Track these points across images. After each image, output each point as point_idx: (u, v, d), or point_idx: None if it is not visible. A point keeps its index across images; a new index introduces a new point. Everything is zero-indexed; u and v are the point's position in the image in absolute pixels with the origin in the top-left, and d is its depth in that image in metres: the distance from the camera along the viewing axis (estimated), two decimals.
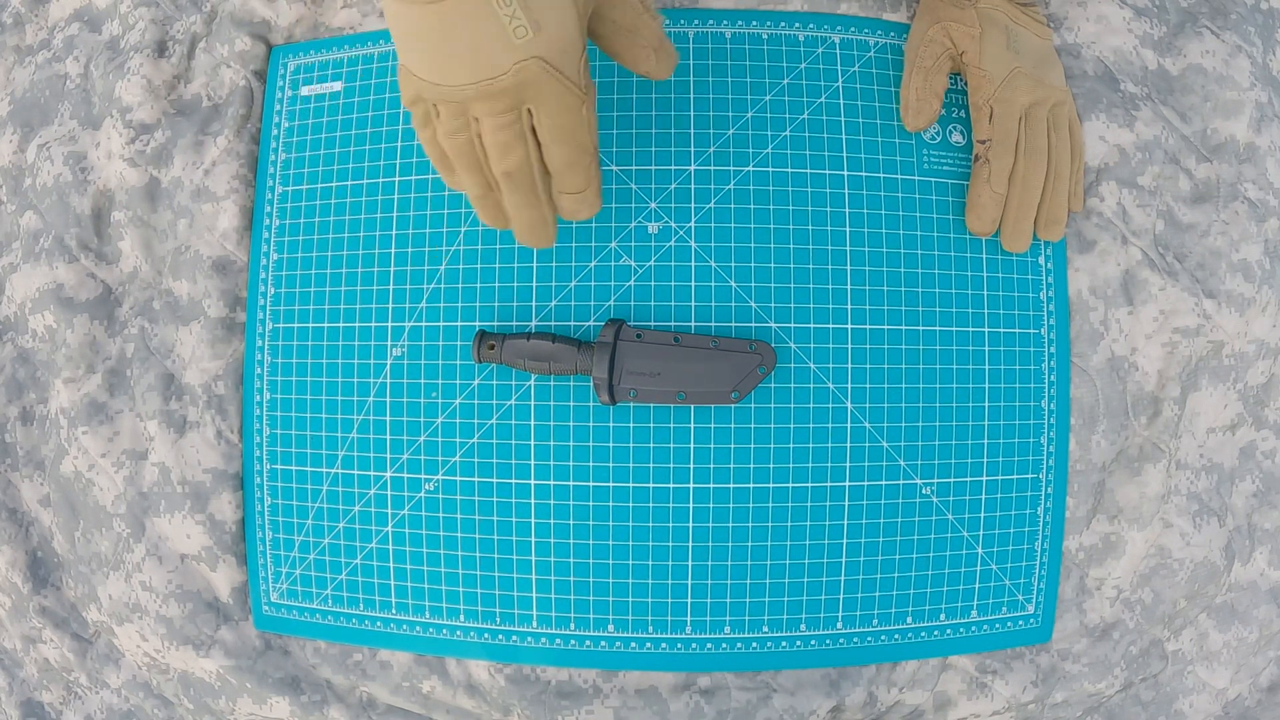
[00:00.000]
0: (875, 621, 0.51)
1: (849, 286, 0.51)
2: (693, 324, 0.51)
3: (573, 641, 0.51)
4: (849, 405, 0.51)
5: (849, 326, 0.51)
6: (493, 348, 0.50)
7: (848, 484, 0.51)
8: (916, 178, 0.53)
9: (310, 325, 0.54)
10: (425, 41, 0.36)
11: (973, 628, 0.52)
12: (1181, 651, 0.56)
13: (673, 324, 0.51)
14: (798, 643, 0.51)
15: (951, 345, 0.52)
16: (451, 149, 0.40)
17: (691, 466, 0.50)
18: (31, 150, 0.60)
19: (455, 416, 0.52)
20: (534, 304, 0.52)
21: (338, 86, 0.56)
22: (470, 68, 0.36)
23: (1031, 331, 0.53)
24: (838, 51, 0.54)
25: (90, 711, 0.59)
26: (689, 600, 0.51)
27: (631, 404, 0.51)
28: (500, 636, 0.52)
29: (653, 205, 0.52)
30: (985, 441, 0.52)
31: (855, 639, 0.51)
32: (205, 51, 0.58)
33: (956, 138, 0.53)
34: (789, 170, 0.52)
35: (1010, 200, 0.50)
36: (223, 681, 0.55)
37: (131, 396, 0.56)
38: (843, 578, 0.51)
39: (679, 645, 0.51)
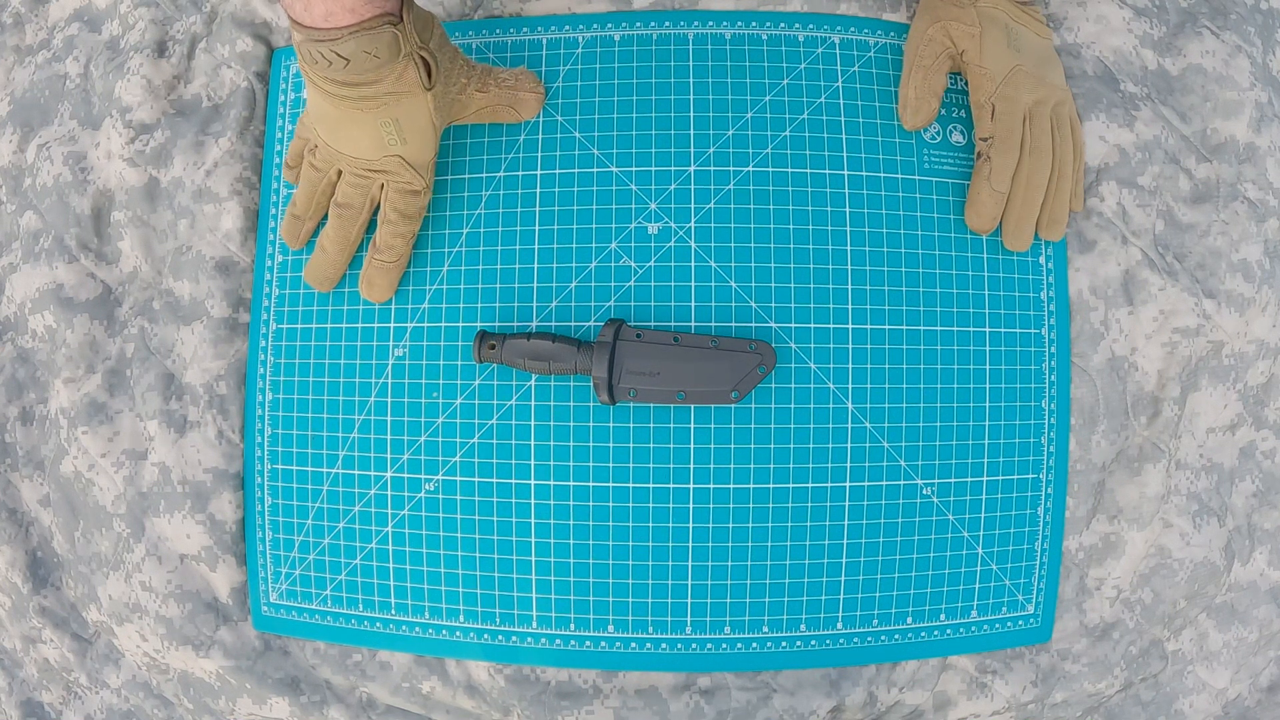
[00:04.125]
0: (875, 621, 0.51)
1: (849, 286, 0.51)
2: (693, 324, 0.51)
3: (572, 642, 0.51)
4: (849, 405, 0.51)
5: (849, 326, 0.51)
6: (493, 348, 0.50)
7: (848, 484, 0.51)
8: (917, 177, 0.53)
9: (313, 326, 0.54)
10: (330, 125, 0.48)
11: (973, 628, 0.52)
12: (1181, 651, 0.56)
13: (673, 324, 0.51)
14: (798, 643, 0.51)
15: (952, 345, 0.52)
16: (307, 172, 0.51)
17: (691, 466, 0.50)
18: (31, 150, 0.60)
19: (456, 416, 0.52)
20: (534, 304, 0.52)
21: None
22: (354, 149, 0.49)
23: (1032, 331, 0.53)
24: (837, 52, 0.54)
25: (90, 711, 0.59)
26: (689, 600, 0.51)
27: (631, 404, 0.51)
28: (500, 637, 0.52)
29: (653, 206, 0.52)
30: (985, 441, 0.52)
31: (855, 639, 0.51)
32: (205, 52, 0.58)
33: (957, 137, 0.53)
34: (789, 170, 0.52)
35: (1013, 199, 0.50)
36: (222, 682, 0.55)
37: (131, 396, 0.56)
38: (843, 578, 0.51)
39: (679, 645, 0.51)
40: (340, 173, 0.50)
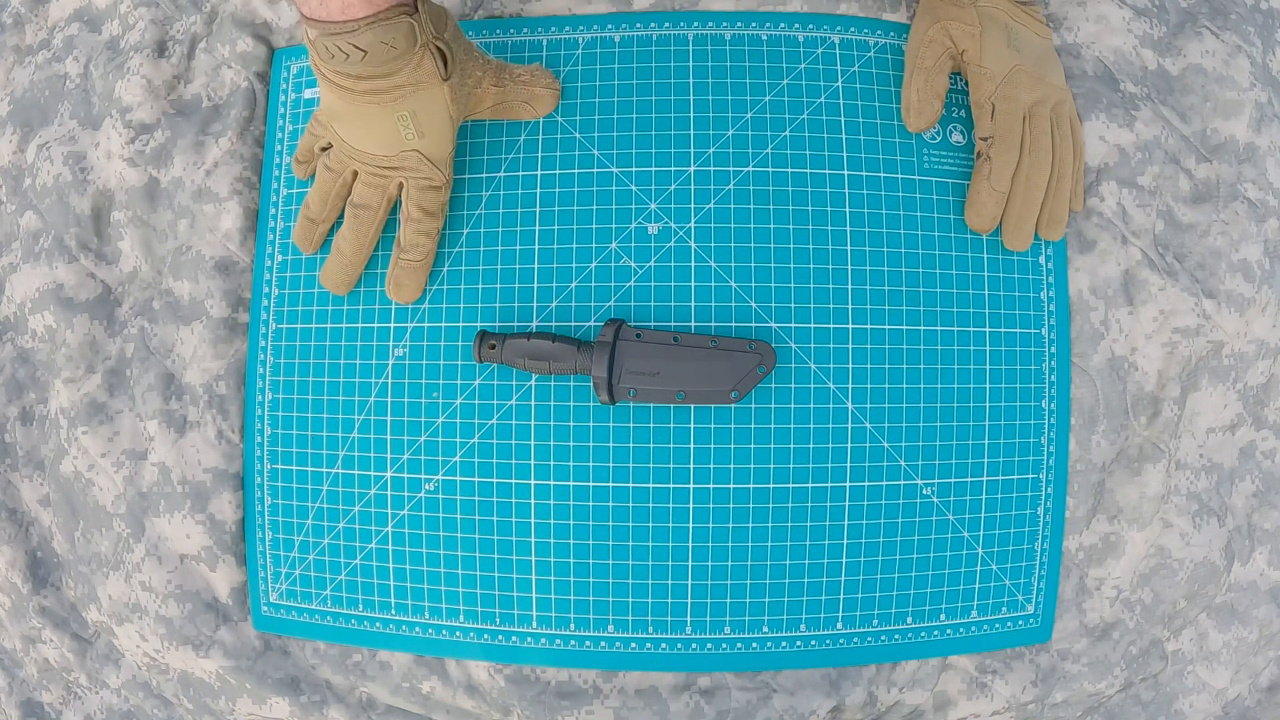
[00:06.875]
0: (875, 621, 0.51)
1: (849, 286, 0.51)
2: (692, 324, 0.51)
3: (572, 642, 0.51)
4: (849, 405, 0.51)
5: (849, 326, 0.51)
6: (493, 347, 0.50)
7: (848, 484, 0.51)
8: (917, 177, 0.53)
9: (313, 326, 0.54)
10: (345, 122, 0.48)
11: (973, 628, 0.52)
12: (1181, 651, 0.56)
13: (672, 324, 0.51)
14: (798, 643, 0.51)
15: (952, 345, 0.52)
16: (322, 173, 0.51)
17: (691, 466, 0.50)
18: (31, 150, 0.60)
19: (456, 416, 0.52)
20: (534, 304, 0.52)
21: None
22: (371, 146, 0.49)
23: (1032, 331, 0.53)
24: (837, 52, 0.54)
25: (90, 711, 0.59)
26: (689, 600, 0.51)
27: (631, 403, 0.51)
28: (500, 637, 0.52)
29: (653, 206, 0.52)
30: (985, 441, 0.52)
31: (855, 639, 0.51)
32: (205, 52, 0.58)
33: (957, 137, 0.53)
34: (789, 170, 0.52)
35: (1013, 199, 0.50)
36: (222, 682, 0.55)
37: (131, 396, 0.56)
38: (843, 578, 0.51)
39: (679, 645, 0.51)
40: (356, 173, 0.50)
